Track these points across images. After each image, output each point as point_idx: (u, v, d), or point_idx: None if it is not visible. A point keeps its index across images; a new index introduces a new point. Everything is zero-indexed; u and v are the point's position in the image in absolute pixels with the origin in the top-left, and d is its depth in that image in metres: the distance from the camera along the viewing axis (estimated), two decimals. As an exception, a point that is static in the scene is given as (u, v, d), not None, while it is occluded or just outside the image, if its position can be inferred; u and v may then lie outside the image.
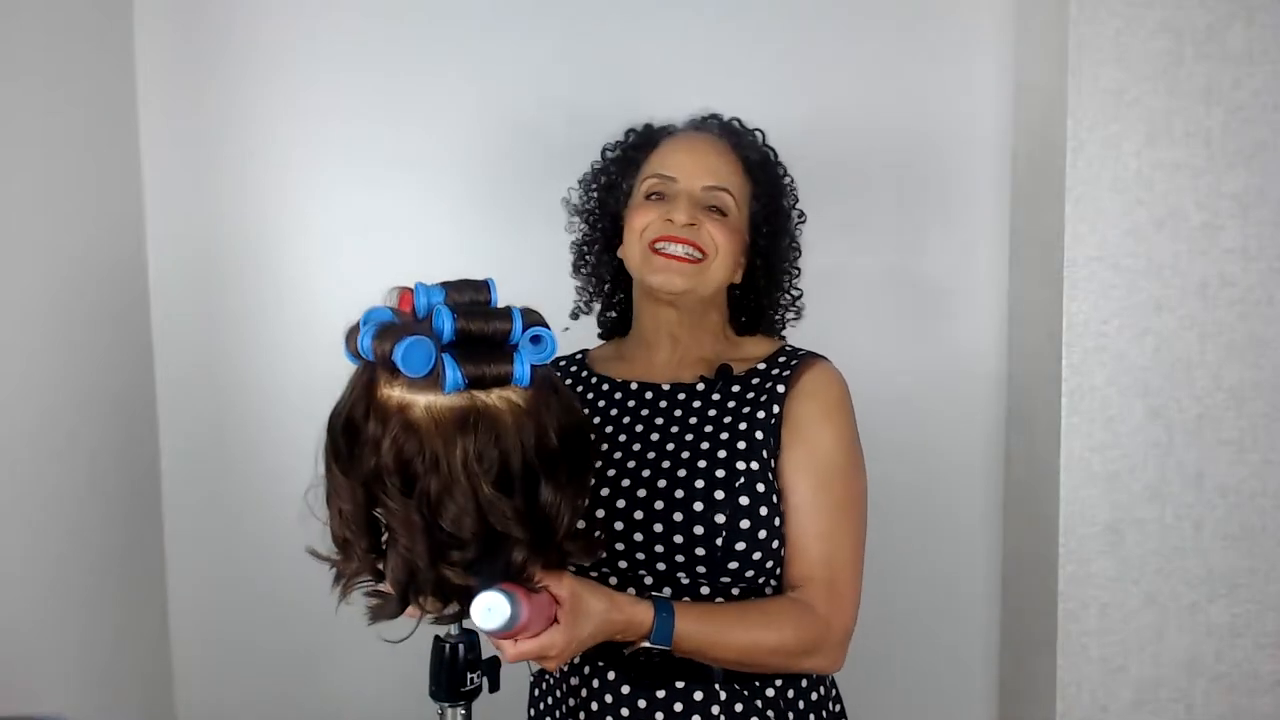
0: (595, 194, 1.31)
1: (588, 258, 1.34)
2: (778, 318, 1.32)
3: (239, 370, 1.87)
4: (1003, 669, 1.87)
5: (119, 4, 1.78)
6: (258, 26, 1.81)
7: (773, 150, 1.30)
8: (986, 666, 1.89)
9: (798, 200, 1.32)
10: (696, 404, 1.20)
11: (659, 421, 1.20)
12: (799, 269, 1.32)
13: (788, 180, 1.31)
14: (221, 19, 1.81)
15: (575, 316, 1.35)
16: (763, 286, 1.27)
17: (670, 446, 1.17)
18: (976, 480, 1.85)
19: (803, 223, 1.32)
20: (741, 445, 1.15)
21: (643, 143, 1.27)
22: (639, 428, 1.20)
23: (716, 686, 1.13)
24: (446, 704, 0.99)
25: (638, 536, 1.13)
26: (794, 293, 1.32)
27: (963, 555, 1.85)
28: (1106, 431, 1.58)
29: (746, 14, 1.78)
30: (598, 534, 1.12)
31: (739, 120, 1.30)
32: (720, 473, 1.13)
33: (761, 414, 1.17)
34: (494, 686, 1.01)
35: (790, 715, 1.17)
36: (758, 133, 1.30)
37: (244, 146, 1.83)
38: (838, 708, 1.26)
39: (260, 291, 1.85)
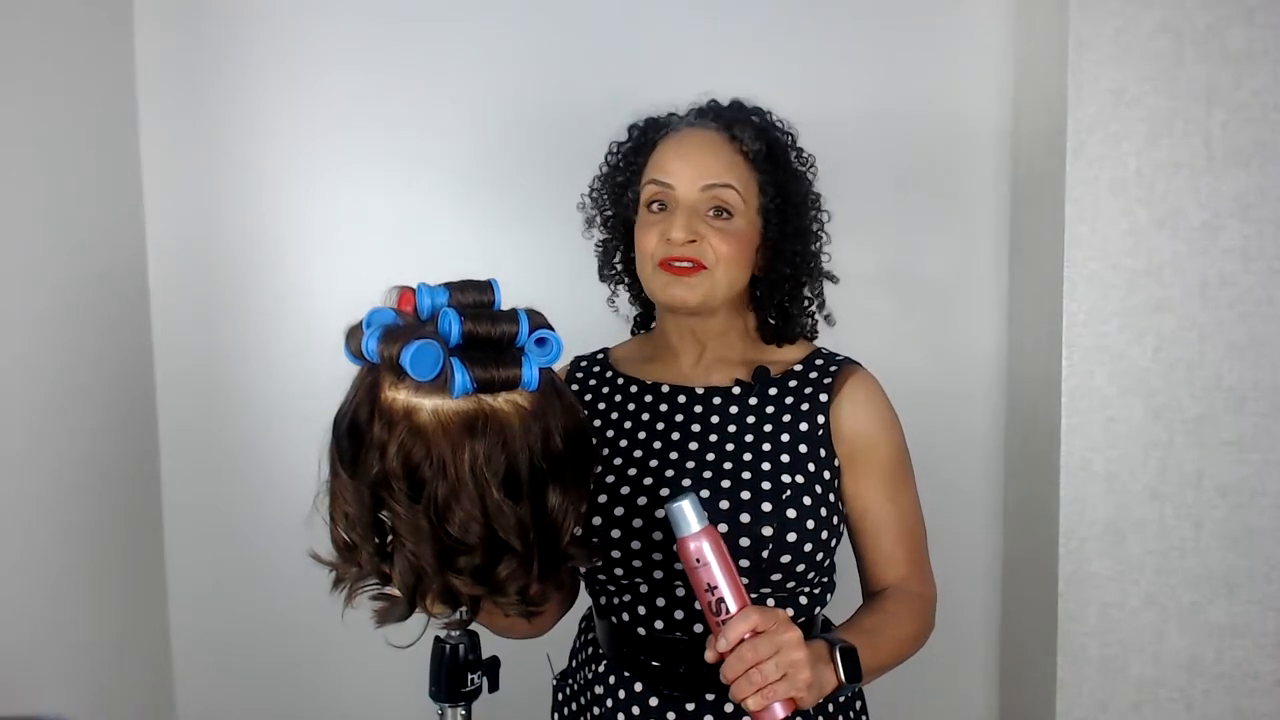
0: (608, 197, 1.26)
1: (615, 262, 1.28)
2: (803, 317, 1.23)
3: (239, 370, 1.87)
4: (1003, 669, 1.87)
5: (119, 4, 1.78)
6: (258, 27, 1.81)
7: (783, 131, 1.21)
8: (986, 666, 1.89)
9: (812, 183, 1.22)
10: (734, 409, 1.16)
11: (695, 428, 1.16)
12: (825, 253, 1.22)
13: (803, 161, 1.22)
14: (221, 19, 1.81)
15: (636, 329, 1.32)
16: (780, 279, 1.19)
17: (711, 456, 1.13)
18: (976, 480, 1.85)
19: (819, 208, 1.22)
20: (785, 458, 1.12)
21: (642, 143, 1.22)
22: (675, 435, 1.16)
23: None
24: (446, 704, 0.98)
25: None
26: (820, 280, 1.22)
27: (963, 555, 1.84)
28: (1106, 431, 1.57)
29: (746, 12, 1.78)
30: (595, 540, 1.10)
31: (741, 102, 1.21)
32: (766, 485, 1.10)
33: (805, 425, 1.14)
34: (494, 686, 1.01)
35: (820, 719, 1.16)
36: (758, 115, 1.20)
37: (244, 147, 1.83)
38: (859, 704, 1.25)
39: (260, 291, 1.85)
